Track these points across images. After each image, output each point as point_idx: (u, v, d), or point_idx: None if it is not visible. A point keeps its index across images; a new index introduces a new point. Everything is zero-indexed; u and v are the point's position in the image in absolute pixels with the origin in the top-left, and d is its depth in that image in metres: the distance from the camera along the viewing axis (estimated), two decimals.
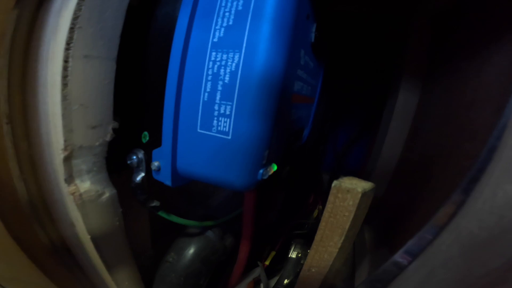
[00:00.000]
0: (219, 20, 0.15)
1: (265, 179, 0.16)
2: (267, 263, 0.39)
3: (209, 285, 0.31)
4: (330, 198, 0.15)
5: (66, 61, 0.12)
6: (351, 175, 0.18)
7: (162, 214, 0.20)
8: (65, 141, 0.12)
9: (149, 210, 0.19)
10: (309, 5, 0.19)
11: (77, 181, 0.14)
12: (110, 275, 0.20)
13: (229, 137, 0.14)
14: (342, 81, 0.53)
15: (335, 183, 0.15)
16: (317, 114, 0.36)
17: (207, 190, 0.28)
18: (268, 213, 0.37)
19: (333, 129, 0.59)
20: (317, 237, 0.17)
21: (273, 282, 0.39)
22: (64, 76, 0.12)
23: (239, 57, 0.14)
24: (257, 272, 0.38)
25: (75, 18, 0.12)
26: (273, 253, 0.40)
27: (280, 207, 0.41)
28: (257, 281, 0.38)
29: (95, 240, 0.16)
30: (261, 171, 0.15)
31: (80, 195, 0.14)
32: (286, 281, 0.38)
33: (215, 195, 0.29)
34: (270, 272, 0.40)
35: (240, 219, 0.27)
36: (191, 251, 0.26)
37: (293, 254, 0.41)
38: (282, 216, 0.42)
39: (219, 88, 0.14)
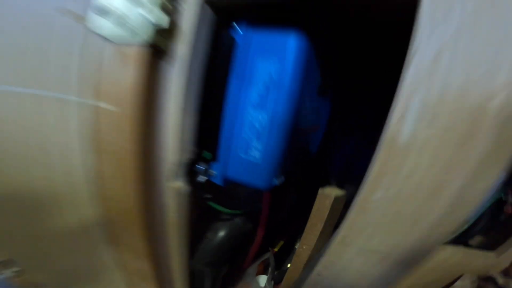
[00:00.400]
0: (255, 88, 0.26)
1: (279, 184, 0.27)
2: (276, 250, 0.50)
3: (230, 259, 0.42)
4: (317, 198, 0.26)
5: (178, 112, 0.23)
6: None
7: (211, 203, 0.31)
8: (176, 158, 0.24)
9: (204, 200, 0.30)
10: (316, 66, 0.29)
11: (175, 180, 0.26)
12: (176, 242, 0.31)
13: (259, 161, 0.25)
14: (351, 82, 0.53)
15: (320, 190, 0.26)
16: (326, 134, 0.45)
17: (237, 189, 0.39)
18: (280, 210, 0.47)
19: (341, 135, 0.62)
20: (308, 223, 0.27)
21: None
22: (178, 124, 0.23)
23: (266, 115, 0.25)
24: (267, 256, 0.48)
25: (180, 86, 0.24)
26: (281, 242, 0.50)
27: (290, 206, 0.51)
28: (266, 264, 0.49)
29: (177, 216, 0.28)
30: (275, 180, 0.26)
31: (176, 189, 0.26)
32: (289, 265, 0.48)
33: (242, 193, 0.40)
34: (279, 261, 0.50)
35: (259, 211, 0.38)
36: (223, 232, 0.37)
37: (298, 246, 0.51)
38: (293, 213, 0.52)
39: (255, 132, 0.25)
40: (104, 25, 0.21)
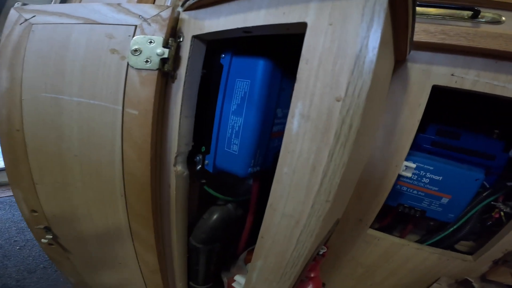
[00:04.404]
0: (234, 99, 0.35)
1: (254, 172, 0.35)
2: None
3: (222, 239, 0.49)
4: None
5: (179, 116, 0.33)
6: None
7: (206, 188, 0.40)
8: (177, 149, 0.34)
9: (200, 184, 0.40)
10: (285, 77, 0.37)
11: (177, 166, 0.35)
12: (176, 216, 0.40)
13: (237, 153, 0.34)
14: None
15: None
16: None
17: (230, 178, 0.47)
18: None
19: None
20: None
21: None
22: (180, 125, 0.33)
23: (241, 119, 0.34)
24: None
25: (181, 101, 0.34)
26: None
27: None
28: None
29: (177, 194, 0.37)
30: (249, 169, 0.34)
31: (177, 171, 0.35)
32: None
33: (235, 182, 0.48)
34: None
35: (249, 199, 0.45)
36: (217, 214, 0.45)
37: None
38: None
39: (234, 132, 0.34)
40: (133, 59, 0.32)
